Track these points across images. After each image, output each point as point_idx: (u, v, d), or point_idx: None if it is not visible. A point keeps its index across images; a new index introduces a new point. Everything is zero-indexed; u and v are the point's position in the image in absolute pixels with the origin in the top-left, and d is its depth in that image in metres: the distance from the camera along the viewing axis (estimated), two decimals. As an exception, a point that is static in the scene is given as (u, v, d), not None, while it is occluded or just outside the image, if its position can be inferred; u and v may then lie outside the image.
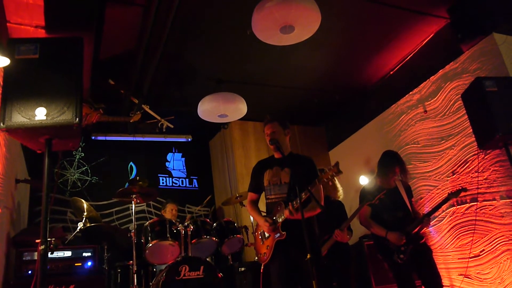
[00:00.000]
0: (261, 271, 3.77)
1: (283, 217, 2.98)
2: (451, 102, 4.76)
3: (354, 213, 3.84)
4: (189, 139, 6.87)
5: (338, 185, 4.20)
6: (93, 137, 6.23)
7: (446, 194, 3.84)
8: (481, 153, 4.30)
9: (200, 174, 7.05)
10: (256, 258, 3.38)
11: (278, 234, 3.02)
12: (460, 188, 3.81)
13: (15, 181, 4.28)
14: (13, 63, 2.29)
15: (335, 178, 4.06)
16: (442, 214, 4.74)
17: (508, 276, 4.00)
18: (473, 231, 4.36)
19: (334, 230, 3.86)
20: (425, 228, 3.88)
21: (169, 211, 5.36)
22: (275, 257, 3.04)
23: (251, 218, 5.06)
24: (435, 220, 4.78)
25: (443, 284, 3.74)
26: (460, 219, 4.56)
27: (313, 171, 3.16)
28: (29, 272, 3.49)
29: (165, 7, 3.75)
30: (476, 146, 4.05)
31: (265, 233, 3.13)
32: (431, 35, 4.95)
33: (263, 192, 3.31)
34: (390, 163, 3.91)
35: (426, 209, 4.88)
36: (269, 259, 3.06)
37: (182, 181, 6.89)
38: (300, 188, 2.78)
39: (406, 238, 3.62)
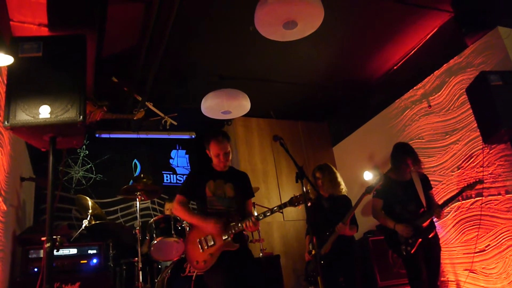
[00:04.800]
0: (193, 278, 3.73)
1: (239, 226, 2.96)
2: (456, 97, 4.73)
3: (355, 206, 3.82)
4: (193, 136, 6.90)
5: (340, 179, 4.15)
6: (97, 135, 6.28)
7: (459, 187, 3.86)
8: (486, 148, 4.28)
9: (204, 171, 7.03)
10: (189, 265, 3.22)
11: (228, 242, 2.96)
12: (478, 180, 3.81)
13: (20, 179, 4.30)
14: (16, 62, 2.28)
15: (337, 173, 4.09)
16: (447, 209, 4.72)
17: (514, 271, 3.99)
18: (478, 226, 4.34)
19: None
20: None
21: (166, 211, 5.16)
22: (218, 267, 2.93)
23: None
24: (440, 215, 4.76)
25: (441, 281, 3.76)
26: (465, 214, 4.54)
27: (250, 187, 3.34)
28: (35, 269, 3.49)
29: (167, 3, 3.74)
30: (481, 141, 4.05)
31: (210, 240, 2.99)
32: (435, 29, 4.91)
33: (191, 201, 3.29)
34: (401, 156, 3.91)
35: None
36: (209, 268, 2.95)
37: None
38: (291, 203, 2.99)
39: (415, 230, 3.62)
